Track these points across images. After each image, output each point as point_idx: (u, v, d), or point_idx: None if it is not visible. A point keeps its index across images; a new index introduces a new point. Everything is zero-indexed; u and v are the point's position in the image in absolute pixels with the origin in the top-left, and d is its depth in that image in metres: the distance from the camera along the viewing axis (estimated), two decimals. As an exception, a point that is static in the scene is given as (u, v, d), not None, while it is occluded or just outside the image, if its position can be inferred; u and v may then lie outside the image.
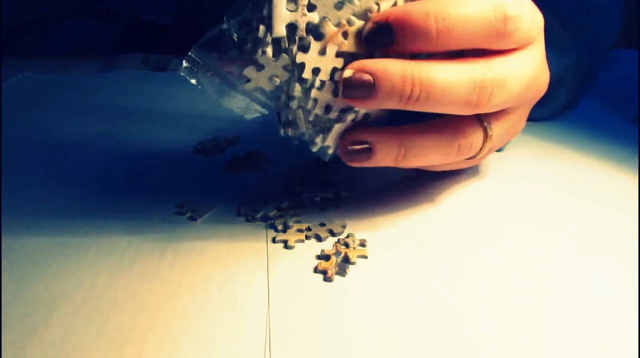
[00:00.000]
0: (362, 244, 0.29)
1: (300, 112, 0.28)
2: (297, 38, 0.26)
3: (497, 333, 0.23)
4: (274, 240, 0.30)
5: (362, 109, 0.28)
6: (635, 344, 0.23)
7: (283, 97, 0.28)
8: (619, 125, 0.45)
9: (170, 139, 0.43)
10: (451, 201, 0.33)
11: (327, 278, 0.27)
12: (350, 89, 0.26)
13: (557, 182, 0.36)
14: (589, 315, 0.24)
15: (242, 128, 0.44)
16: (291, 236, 0.30)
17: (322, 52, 0.26)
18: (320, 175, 0.36)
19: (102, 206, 0.33)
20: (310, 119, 0.28)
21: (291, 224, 0.31)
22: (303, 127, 0.29)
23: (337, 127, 0.29)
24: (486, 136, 0.29)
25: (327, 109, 0.28)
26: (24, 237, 0.30)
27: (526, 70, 0.28)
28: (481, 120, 0.29)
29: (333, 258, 0.28)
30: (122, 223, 0.32)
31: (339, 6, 0.26)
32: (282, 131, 0.30)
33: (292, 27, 0.26)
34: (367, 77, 0.25)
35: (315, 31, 0.26)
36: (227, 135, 0.43)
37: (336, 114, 0.28)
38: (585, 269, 0.27)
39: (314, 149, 0.30)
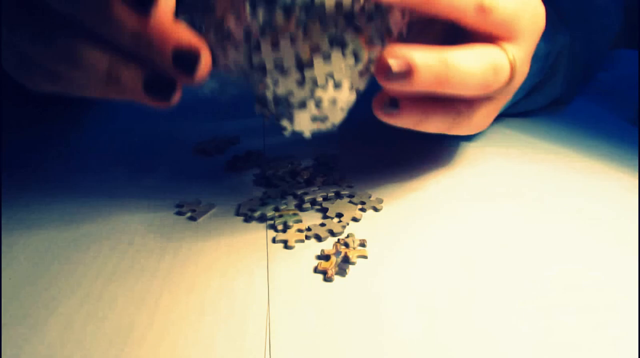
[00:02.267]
0: (362, 244, 0.29)
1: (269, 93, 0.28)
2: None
3: (497, 333, 0.23)
4: (274, 240, 0.30)
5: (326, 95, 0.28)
6: (635, 344, 0.23)
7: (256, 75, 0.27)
8: (619, 125, 0.45)
9: (170, 139, 0.43)
10: (450, 201, 0.33)
11: (327, 278, 0.27)
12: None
13: (557, 182, 0.36)
14: (589, 315, 0.24)
15: (242, 128, 0.44)
16: (291, 236, 0.30)
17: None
18: (320, 173, 0.36)
19: (102, 206, 0.33)
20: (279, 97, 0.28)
21: (291, 224, 0.31)
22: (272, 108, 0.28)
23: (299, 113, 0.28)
24: (511, 64, 0.29)
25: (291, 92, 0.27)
26: (24, 237, 0.30)
27: None
28: (501, 46, 0.29)
29: (333, 258, 0.28)
30: (122, 223, 0.32)
31: None
32: (256, 108, 0.29)
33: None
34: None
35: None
36: (227, 135, 0.43)
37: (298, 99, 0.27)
38: (585, 269, 0.27)
39: (286, 133, 0.29)
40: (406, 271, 0.27)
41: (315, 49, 0.26)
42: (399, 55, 0.26)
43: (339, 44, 0.26)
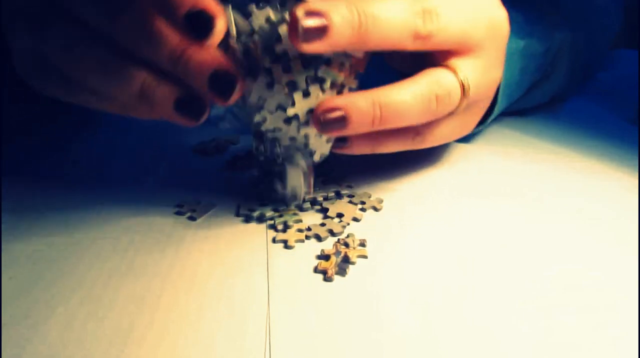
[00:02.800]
0: (362, 244, 0.29)
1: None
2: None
3: (497, 333, 0.23)
4: (274, 240, 0.30)
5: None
6: (635, 344, 0.23)
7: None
8: (619, 125, 0.45)
9: (170, 139, 0.43)
10: (450, 201, 0.33)
11: (327, 278, 0.27)
12: (308, 33, 0.25)
13: (557, 182, 0.36)
14: (589, 315, 0.24)
15: (242, 128, 0.44)
16: (291, 236, 0.30)
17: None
18: (321, 173, 0.36)
19: (102, 206, 0.33)
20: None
21: (291, 224, 0.31)
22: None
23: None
24: (461, 83, 0.30)
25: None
26: (24, 237, 0.30)
27: (465, 4, 0.29)
28: (450, 67, 0.29)
29: (333, 258, 0.28)
30: (122, 223, 0.32)
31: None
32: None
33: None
34: (321, 19, 0.25)
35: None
36: (227, 135, 0.43)
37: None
38: (585, 269, 0.27)
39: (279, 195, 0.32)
40: (406, 271, 0.27)
41: (294, 88, 0.28)
42: (331, 103, 0.28)
43: (317, 80, 0.28)
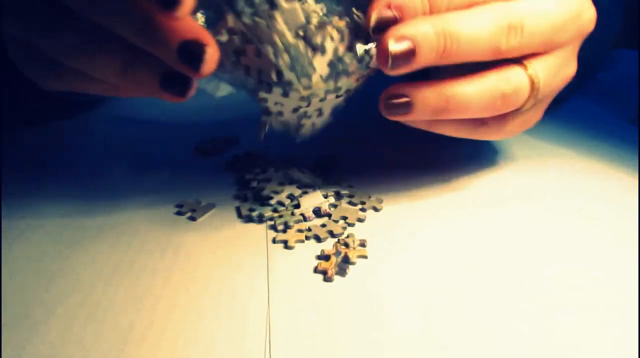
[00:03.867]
0: (362, 244, 0.29)
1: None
2: None
3: (497, 334, 0.23)
4: (274, 240, 0.30)
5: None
6: (635, 344, 0.23)
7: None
8: (619, 125, 0.45)
9: (170, 139, 0.43)
10: (450, 201, 0.33)
11: (327, 278, 0.27)
12: (397, 60, 0.26)
13: (557, 182, 0.36)
14: (589, 315, 0.24)
15: (242, 128, 0.44)
16: (291, 236, 0.30)
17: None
18: (321, 174, 0.36)
19: (102, 206, 0.33)
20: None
21: (292, 224, 0.31)
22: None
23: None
24: (532, 82, 0.29)
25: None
26: (24, 237, 0.30)
27: (551, 7, 0.28)
28: (523, 64, 0.29)
29: (333, 258, 0.28)
30: (122, 223, 0.32)
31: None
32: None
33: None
34: (408, 44, 0.26)
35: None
36: (227, 135, 0.43)
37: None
38: (585, 269, 0.27)
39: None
40: (406, 271, 0.27)
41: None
42: (398, 89, 0.28)
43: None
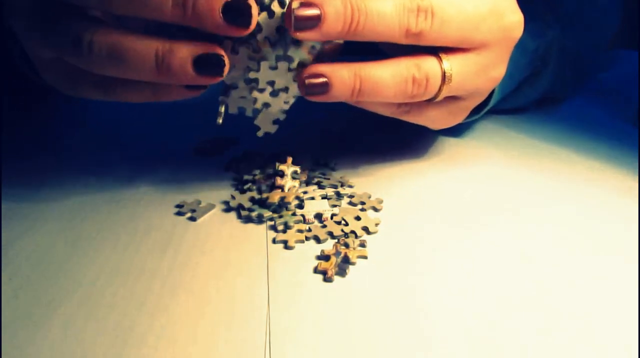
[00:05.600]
0: (362, 244, 0.29)
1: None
2: None
3: (497, 334, 0.23)
4: (274, 241, 0.30)
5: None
6: (635, 344, 0.23)
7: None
8: (619, 125, 0.45)
9: (170, 139, 0.43)
10: (449, 201, 0.33)
11: (327, 279, 0.27)
12: (301, 22, 0.27)
13: (556, 183, 0.36)
14: (589, 316, 0.24)
15: (242, 128, 0.44)
16: (291, 236, 0.30)
17: None
18: (321, 173, 0.36)
19: (102, 206, 0.33)
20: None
21: (292, 225, 0.31)
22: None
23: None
24: (444, 73, 0.30)
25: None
26: (24, 237, 0.30)
27: (466, 2, 0.29)
28: (438, 56, 0.30)
29: (333, 259, 0.28)
30: (122, 223, 0.32)
31: None
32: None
33: None
34: (314, 10, 0.27)
35: None
36: (227, 135, 0.43)
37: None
38: (585, 271, 0.27)
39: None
40: (406, 271, 0.27)
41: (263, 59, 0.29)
42: (316, 69, 0.29)
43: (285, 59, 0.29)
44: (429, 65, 0.30)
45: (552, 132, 0.43)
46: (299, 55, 0.29)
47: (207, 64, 0.27)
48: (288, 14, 0.27)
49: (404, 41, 0.29)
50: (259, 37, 0.29)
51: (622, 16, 0.51)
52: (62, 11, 0.28)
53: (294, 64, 0.29)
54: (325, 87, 0.29)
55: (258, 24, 0.28)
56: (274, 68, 0.30)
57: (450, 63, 0.30)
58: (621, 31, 0.51)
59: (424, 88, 0.30)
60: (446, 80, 0.30)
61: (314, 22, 0.27)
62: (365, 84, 0.29)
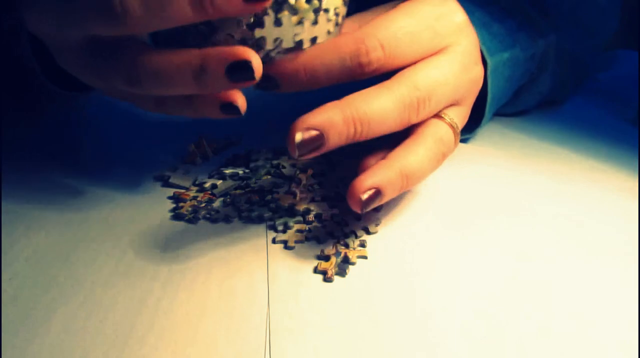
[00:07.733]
0: (362, 244, 0.29)
1: None
2: None
3: (497, 334, 0.23)
4: (274, 241, 0.30)
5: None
6: (635, 344, 0.23)
7: None
8: (618, 125, 0.45)
9: (169, 139, 0.43)
10: (449, 201, 0.33)
11: (327, 279, 0.27)
12: (304, 148, 0.26)
13: (556, 183, 0.36)
14: (589, 316, 0.24)
15: (242, 128, 0.44)
16: (291, 237, 0.30)
17: None
18: (321, 173, 0.36)
19: (102, 206, 0.33)
20: None
21: (292, 225, 0.31)
22: None
23: None
24: (452, 127, 0.31)
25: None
26: (24, 237, 0.30)
27: (448, 74, 0.30)
28: (441, 117, 0.31)
29: (333, 259, 0.28)
30: (121, 223, 0.32)
31: None
32: None
33: None
34: (316, 133, 0.26)
35: None
36: (227, 135, 0.43)
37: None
38: (584, 272, 0.27)
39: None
40: (406, 271, 0.27)
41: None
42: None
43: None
44: (444, 132, 0.31)
45: (552, 132, 0.43)
46: (335, 3, 0.28)
47: (238, 68, 0.26)
48: (291, 138, 0.26)
49: (403, 128, 0.29)
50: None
51: (621, 16, 0.51)
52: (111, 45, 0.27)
53: (331, 14, 0.28)
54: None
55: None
56: (315, 23, 0.28)
57: (451, 117, 0.31)
58: (621, 31, 0.51)
59: (449, 153, 0.31)
60: (456, 133, 0.32)
61: (317, 144, 0.26)
62: (411, 180, 0.29)
